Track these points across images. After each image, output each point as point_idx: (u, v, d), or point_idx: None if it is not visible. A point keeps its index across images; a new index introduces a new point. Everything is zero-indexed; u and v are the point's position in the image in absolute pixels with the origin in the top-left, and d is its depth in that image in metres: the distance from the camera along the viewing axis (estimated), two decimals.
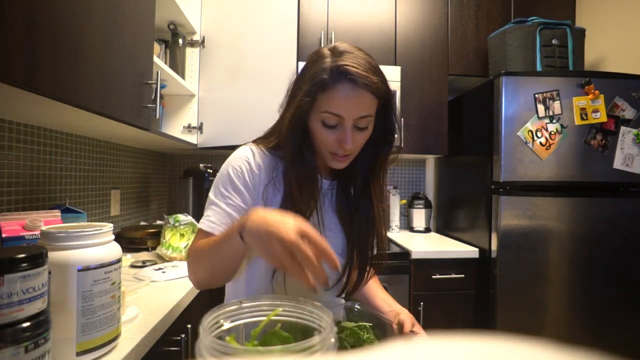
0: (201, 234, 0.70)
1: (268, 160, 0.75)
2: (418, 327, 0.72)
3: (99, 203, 1.49)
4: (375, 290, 0.87)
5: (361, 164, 0.77)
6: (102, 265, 0.60)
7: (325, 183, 0.80)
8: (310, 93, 0.67)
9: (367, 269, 0.81)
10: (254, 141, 0.80)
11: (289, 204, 0.71)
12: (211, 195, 0.74)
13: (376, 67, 0.69)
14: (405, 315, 0.74)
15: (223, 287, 0.84)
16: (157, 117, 1.24)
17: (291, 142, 0.71)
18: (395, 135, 0.77)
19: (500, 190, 1.70)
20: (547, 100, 1.69)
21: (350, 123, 0.67)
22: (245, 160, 0.73)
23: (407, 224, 2.40)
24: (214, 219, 0.70)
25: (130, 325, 0.76)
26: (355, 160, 0.76)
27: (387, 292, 0.88)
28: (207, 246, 0.64)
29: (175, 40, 1.74)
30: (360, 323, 0.69)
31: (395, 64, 2.09)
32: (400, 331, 0.71)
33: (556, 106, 1.69)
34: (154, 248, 1.50)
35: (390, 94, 0.71)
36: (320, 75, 0.67)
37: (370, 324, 0.70)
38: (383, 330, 0.72)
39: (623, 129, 1.72)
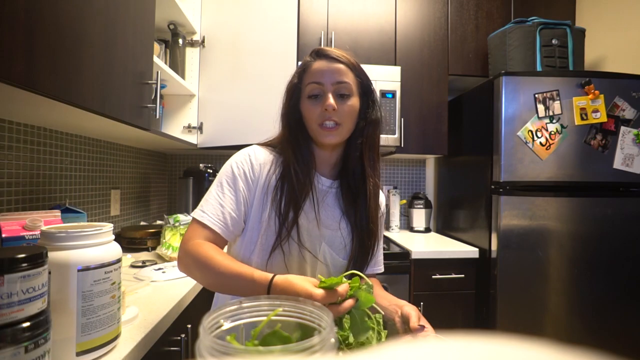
0: (194, 222, 0.76)
1: (269, 157, 0.81)
2: (424, 321, 0.69)
3: (99, 203, 1.49)
4: (375, 289, 0.85)
5: (355, 153, 0.81)
6: (102, 265, 0.60)
7: (326, 182, 0.83)
8: (297, 76, 0.81)
9: (366, 266, 0.83)
10: (258, 143, 0.86)
11: (285, 183, 0.77)
12: (212, 186, 0.80)
13: (351, 55, 0.81)
14: (409, 308, 0.71)
15: None
16: (157, 117, 1.24)
17: (287, 127, 0.81)
18: (379, 115, 0.83)
19: (500, 190, 1.70)
20: (547, 100, 1.69)
21: (330, 87, 0.76)
22: (248, 156, 0.80)
23: (407, 224, 2.40)
24: (206, 209, 0.76)
25: (130, 325, 0.76)
26: (349, 150, 0.81)
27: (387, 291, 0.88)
28: (221, 268, 0.68)
29: (175, 40, 1.74)
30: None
31: (395, 64, 2.09)
32: (405, 325, 0.68)
33: (556, 106, 1.69)
34: (154, 248, 1.50)
35: (367, 77, 0.82)
36: (303, 62, 0.82)
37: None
38: (384, 326, 0.70)
39: (623, 129, 1.72)
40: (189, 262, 0.72)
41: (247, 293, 0.65)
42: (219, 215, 0.75)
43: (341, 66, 0.77)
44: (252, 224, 0.78)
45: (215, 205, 0.76)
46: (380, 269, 0.92)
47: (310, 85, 0.77)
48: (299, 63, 0.83)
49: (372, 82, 0.83)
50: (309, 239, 0.78)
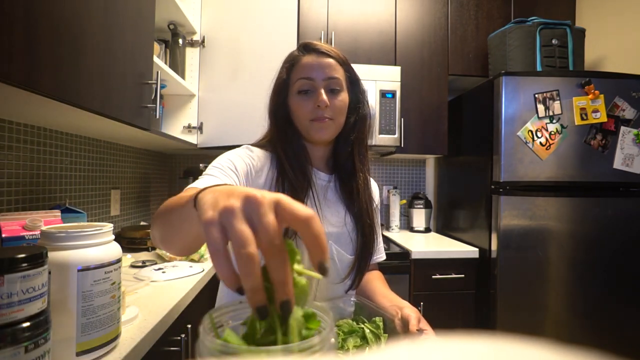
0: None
1: (266, 155, 0.80)
2: (424, 324, 0.67)
3: (99, 203, 1.49)
4: (377, 285, 0.85)
5: (345, 146, 0.81)
6: (102, 265, 0.60)
7: (324, 176, 0.82)
8: (285, 71, 0.79)
9: (369, 261, 0.83)
10: (248, 144, 0.83)
11: (285, 181, 0.75)
12: (206, 170, 0.71)
13: (339, 50, 0.80)
14: (409, 310, 0.69)
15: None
16: (157, 117, 1.24)
17: (275, 124, 0.80)
18: (366, 107, 0.83)
19: (500, 190, 1.69)
20: (547, 100, 1.69)
21: (321, 83, 0.75)
22: (249, 152, 0.78)
23: (407, 224, 2.40)
24: (201, 184, 0.61)
25: (130, 325, 0.76)
26: (340, 145, 0.81)
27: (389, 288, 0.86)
28: (171, 201, 0.51)
29: (175, 40, 1.74)
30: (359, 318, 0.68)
31: (395, 64, 2.09)
32: (404, 327, 0.66)
33: (556, 106, 1.69)
34: (154, 248, 1.50)
35: (354, 71, 0.81)
36: (290, 56, 0.80)
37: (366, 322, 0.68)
38: (385, 329, 0.70)
39: (623, 129, 1.72)
40: (154, 219, 0.53)
41: (183, 214, 0.43)
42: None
43: (331, 61, 0.76)
44: None
45: (214, 182, 0.64)
46: (382, 256, 0.92)
47: (300, 81, 0.76)
48: (288, 58, 0.82)
49: (359, 77, 0.83)
50: None
